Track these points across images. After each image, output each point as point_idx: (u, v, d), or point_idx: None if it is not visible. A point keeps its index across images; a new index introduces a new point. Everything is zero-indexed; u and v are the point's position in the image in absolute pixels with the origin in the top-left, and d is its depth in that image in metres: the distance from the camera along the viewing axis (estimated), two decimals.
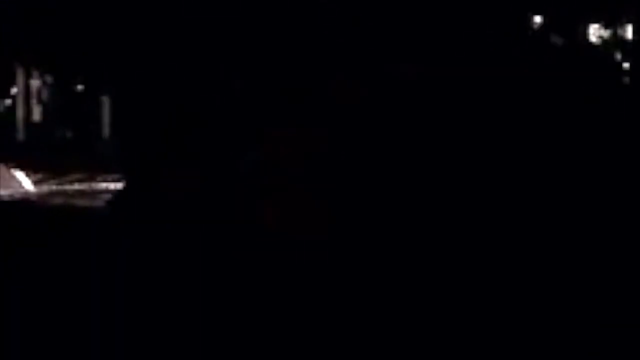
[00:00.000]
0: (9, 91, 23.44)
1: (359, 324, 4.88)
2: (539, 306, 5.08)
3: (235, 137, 5.00)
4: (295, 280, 4.94)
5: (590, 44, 6.89)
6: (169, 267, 5.02)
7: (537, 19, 6.82)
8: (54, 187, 12.92)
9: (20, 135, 22.91)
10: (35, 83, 23.38)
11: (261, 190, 4.81)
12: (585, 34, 6.98)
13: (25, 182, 12.50)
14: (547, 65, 6.01)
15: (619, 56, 7.11)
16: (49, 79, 23.29)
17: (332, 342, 4.79)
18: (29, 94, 23.44)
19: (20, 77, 23.23)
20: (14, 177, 12.60)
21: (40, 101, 23.52)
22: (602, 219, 5.54)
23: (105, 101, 22.74)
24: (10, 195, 11.45)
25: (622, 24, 7.26)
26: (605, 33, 7.03)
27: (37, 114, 23.46)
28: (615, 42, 7.10)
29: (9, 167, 13.04)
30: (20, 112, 23.28)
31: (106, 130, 22.79)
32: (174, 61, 5.27)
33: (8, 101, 23.37)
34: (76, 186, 12.79)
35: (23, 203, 10.81)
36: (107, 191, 11.48)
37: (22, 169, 13.12)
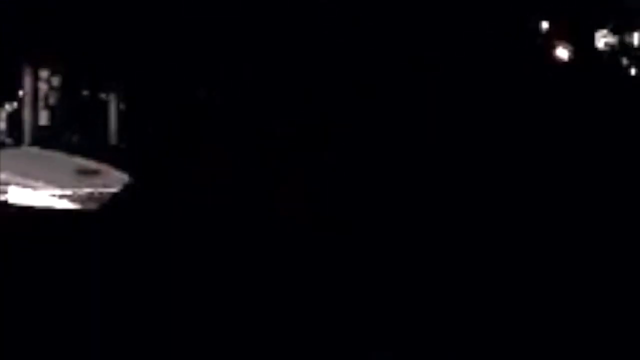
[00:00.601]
0: (15, 95, 23.50)
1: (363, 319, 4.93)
2: (539, 306, 5.12)
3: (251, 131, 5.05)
4: (309, 274, 5.00)
5: (597, 50, 6.95)
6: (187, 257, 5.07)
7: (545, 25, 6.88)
8: None
9: (27, 139, 22.96)
10: (42, 87, 23.43)
11: (277, 177, 4.86)
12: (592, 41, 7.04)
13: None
14: (551, 72, 6.07)
15: (625, 62, 7.16)
16: (56, 82, 23.35)
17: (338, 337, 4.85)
18: (36, 98, 23.48)
19: (27, 81, 23.29)
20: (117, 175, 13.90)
21: (47, 105, 23.56)
22: (607, 222, 5.58)
23: (113, 106, 22.81)
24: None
25: (630, 31, 7.32)
26: (613, 39, 7.08)
27: (43, 119, 23.50)
28: (622, 49, 7.15)
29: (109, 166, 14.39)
30: (27, 116, 23.33)
31: (113, 135, 22.86)
32: (184, 54, 5.32)
33: (15, 104, 23.43)
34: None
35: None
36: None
37: None
